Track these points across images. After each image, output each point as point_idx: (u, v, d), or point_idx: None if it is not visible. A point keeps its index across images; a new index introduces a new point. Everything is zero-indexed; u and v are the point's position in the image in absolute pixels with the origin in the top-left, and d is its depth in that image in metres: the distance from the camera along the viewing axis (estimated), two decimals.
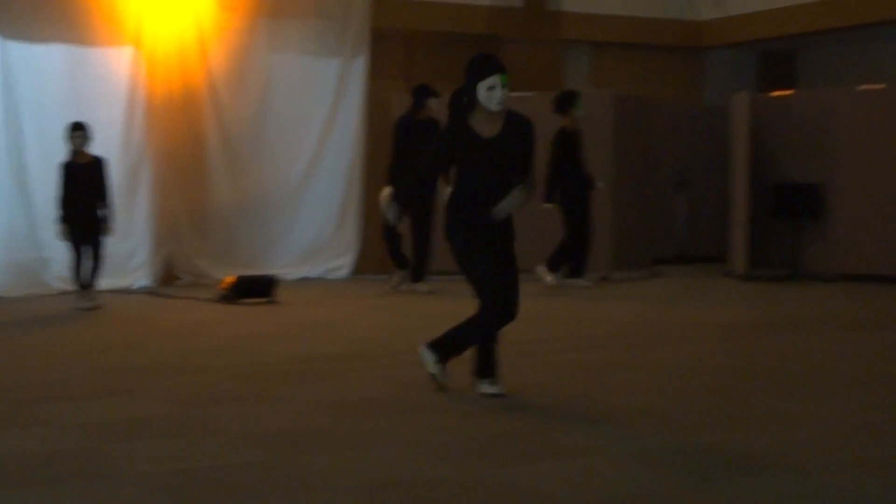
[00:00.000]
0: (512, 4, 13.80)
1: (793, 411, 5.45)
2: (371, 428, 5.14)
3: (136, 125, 11.62)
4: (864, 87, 12.13)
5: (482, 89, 5.76)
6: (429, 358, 5.96)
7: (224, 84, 12.13)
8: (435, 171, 5.99)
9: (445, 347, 5.96)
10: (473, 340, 5.90)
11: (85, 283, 9.78)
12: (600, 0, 14.37)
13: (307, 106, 12.55)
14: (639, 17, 14.57)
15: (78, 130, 9.78)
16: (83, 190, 9.77)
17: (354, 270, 12.65)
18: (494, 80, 5.74)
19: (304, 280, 12.30)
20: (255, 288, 10.31)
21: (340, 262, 12.69)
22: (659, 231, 13.84)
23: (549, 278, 11.22)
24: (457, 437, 4.96)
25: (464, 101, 5.83)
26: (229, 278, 10.41)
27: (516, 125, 5.87)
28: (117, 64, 11.56)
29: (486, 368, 5.92)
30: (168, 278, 11.88)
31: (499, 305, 5.73)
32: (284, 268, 12.12)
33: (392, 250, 11.10)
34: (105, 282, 10.35)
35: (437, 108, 11.00)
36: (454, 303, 10.24)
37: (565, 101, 11.13)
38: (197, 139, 12.08)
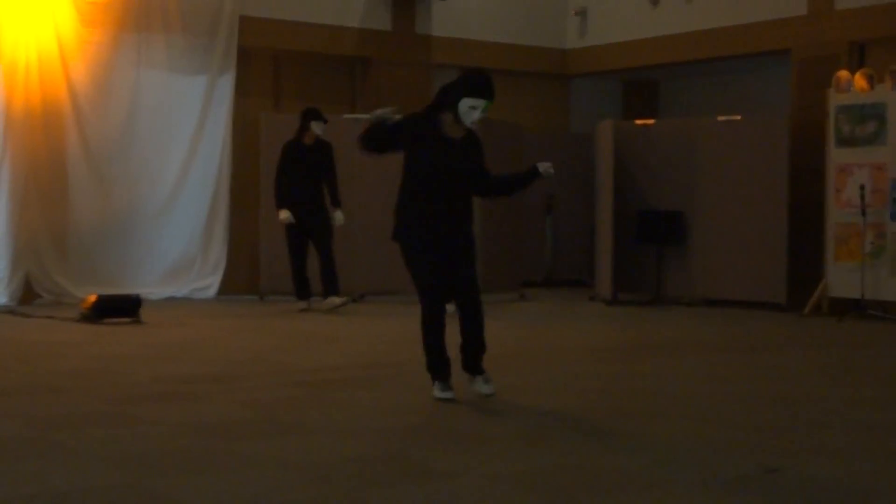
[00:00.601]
0: (381, 27, 13.86)
1: (655, 432, 5.57)
2: (235, 450, 5.08)
3: None
4: (722, 117, 12.51)
5: (465, 104, 6.03)
6: (443, 394, 6.25)
7: (87, 99, 11.90)
8: (383, 135, 6.21)
9: (428, 366, 6.28)
10: (427, 342, 6.21)
11: None
12: (470, 25, 14.53)
13: (173, 123, 12.39)
14: (508, 43, 14.77)
15: None
16: None
17: (221, 290, 12.50)
18: (480, 102, 6.02)
19: (170, 300, 12.11)
20: (119, 307, 10.11)
21: (207, 282, 12.53)
22: (527, 255, 14.01)
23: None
24: (324, 459, 4.94)
25: (443, 102, 6.09)
26: (91, 297, 10.18)
27: (474, 139, 6.23)
28: None
29: (470, 366, 6.29)
30: (27, 297, 11.56)
31: (427, 301, 6.09)
32: (149, 287, 11.91)
33: (334, 275, 11.08)
34: None
35: (323, 132, 11.07)
36: (321, 323, 10.25)
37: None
38: (58, 154, 11.81)
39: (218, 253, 12.56)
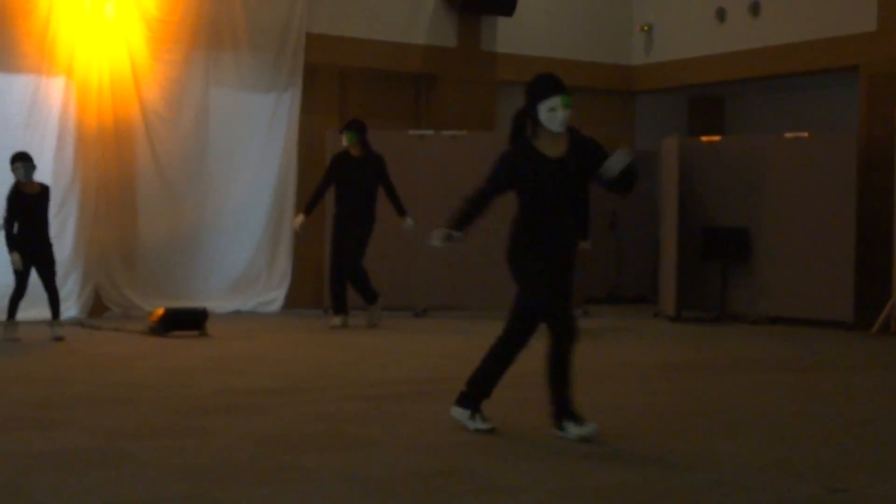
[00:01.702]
0: (447, 44, 13.92)
1: (722, 450, 5.53)
2: (301, 462, 5.12)
3: (66, 155, 11.51)
4: (789, 134, 12.39)
5: (543, 110, 5.73)
6: (460, 415, 5.88)
7: (157, 116, 12.07)
8: (490, 194, 5.92)
9: (472, 392, 5.93)
10: (501, 364, 5.92)
11: (12, 313, 9.67)
12: (535, 42, 14.54)
13: (240, 139, 12.53)
14: (572, 59, 14.75)
15: (23, 161, 9.67)
16: (33, 220, 9.68)
17: (286, 304, 12.60)
18: (556, 100, 5.71)
19: (236, 313, 12.22)
20: (186, 320, 10.23)
21: (272, 296, 12.63)
22: (590, 271, 13.96)
23: None
24: (388, 472, 4.96)
25: (525, 123, 5.81)
26: (159, 310, 10.32)
27: (582, 143, 5.85)
28: (48, 93, 11.47)
29: (564, 409, 5.82)
30: (97, 309, 11.74)
31: (552, 317, 5.82)
32: (216, 301, 12.02)
33: (362, 286, 11.08)
34: (33, 312, 10.20)
35: (348, 142, 11.01)
36: (384, 337, 10.29)
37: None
38: (128, 170, 11.99)
39: (283, 267, 12.66)
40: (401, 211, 11.10)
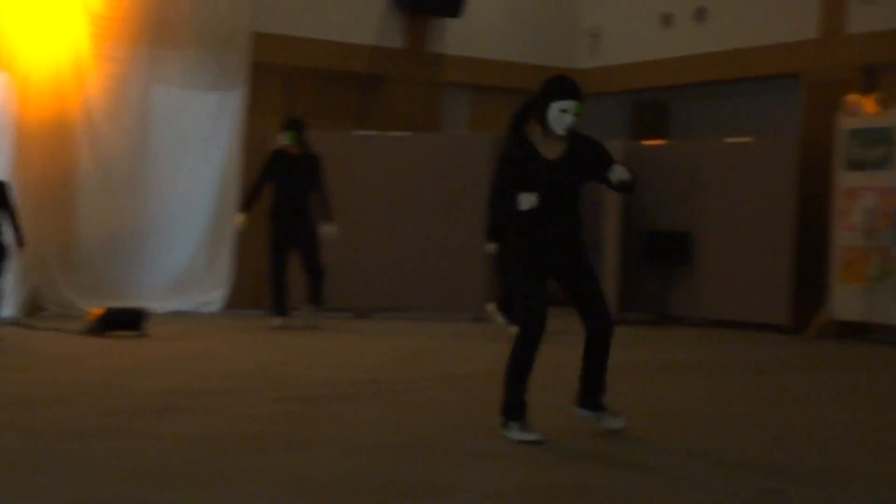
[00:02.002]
0: (394, 45, 13.92)
1: (656, 452, 5.58)
2: (240, 464, 5.10)
3: (4, 151, 11.38)
4: (731, 139, 12.54)
5: (555, 109, 5.71)
6: (506, 430, 5.76)
7: (100, 113, 11.95)
8: (506, 193, 5.69)
9: (507, 404, 5.80)
10: (522, 369, 5.77)
11: None
12: (482, 44, 14.59)
13: (184, 138, 12.44)
14: (519, 62, 14.81)
15: None
16: None
17: (227, 304, 12.54)
18: (570, 104, 5.70)
19: (176, 313, 12.13)
20: (124, 320, 10.14)
21: (213, 296, 12.56)
22: None
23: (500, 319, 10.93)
24: (326, 474, 4.96)
25: (528, 118, 5.78)
26: (97, 310, 10.22)
27: (582, 145, 5.83)
28: None
29: (594, 396, 5.88)
30: (34, 309, 11.60)
31: (535, 322, 5.69)
32: (155, 300, 11.93)
33: (321, 285, 11.12)
34: None
35: (289, 141, 10.96)
36: (326, 339, 10.28)
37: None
38: (69, 168, 11.86)
39: (224, 267, 12.60)
40: (327, 215, 11.01)
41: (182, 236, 12.46)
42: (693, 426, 6.40)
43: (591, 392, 6.01)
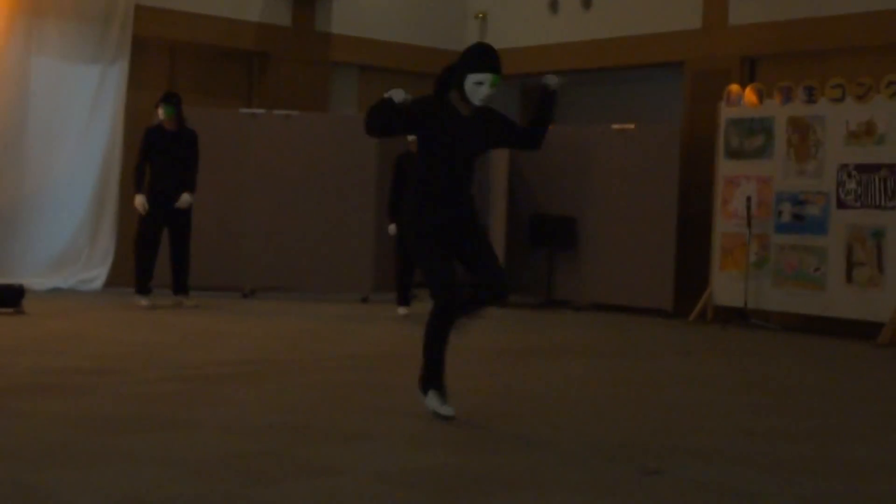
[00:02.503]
0: (281, 23, 13.77)
1: (538, 433, 5.62)
2: (117, 445, 5.00)
3: None
4: (616, 125, 12.69)
5: (470, 81, 5.71)
6: (439, 407, 5.76)
7: None
8: (390, 114, 5.64)
9: (423, 374, 5.81)
10: (437, 341, 5.75)
11: None
12: (370, 24, 14.51)
13: (63, 112, 12.14)
14: (407, 43, 14.79)
15: None
16: None
17: (108, 282, 12.28)
18: (486, 76, 5.70)
19: (55, 291, 11.85)
20: (0, 297, 9.86)
21: (94, 274, 12.30)
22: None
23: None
24: (203, 455, 4.88)
25: (449, 82, 5.76)
26: None
27: (485, 111, 5.89)
28: None
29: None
30: None
31: (446, 294, 5.64)
32: (34, 277, 11.63)
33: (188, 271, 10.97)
34: None
35: (165, 116, 10.73)
36: (209, 318, 10.13)
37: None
38: None
39: (106, 245, 12.34)
40: (190, 187, 10.76)
41: (62, 212, 12.16)
42: (576, 409, 6.46)
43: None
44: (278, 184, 12.51)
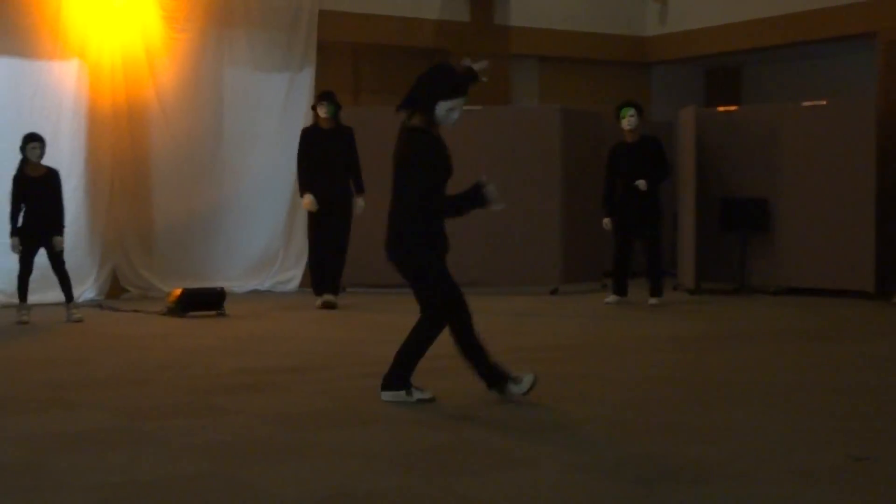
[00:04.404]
0: (459, 18, 13.85)
1: (739, 421, 5.50)
2: (318, 440, 5.12)
3: (79, 138, 11.51)
4: (807, 102, 12.30)
5: (443, 108, 5.70)
6: (393, 397, 5.91)
7: (172, 96, 12.05)
8: (440, 188, 5.85)
9: (398, 372, 5.96)
10: (424, 347, 5.95)
11: (23, 294, 9.67)
12: (547, 15, 14.46)
13: (256, 119, 12.51)
14: (585, 31, 14.68)
15: (34, 142, 9.66)
16: (38, 202, 9.66)
17: (303, 283, 12.59)
18: (458, 102, 5.71)
19: (254, 293, 12.23)
20: (203, 301, 10.24)
21: (289, 275, 12.65)
22: (606, 245, 13.90)
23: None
24: (404, 448, 4.95)
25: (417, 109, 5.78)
26: (176, 291, 10.33)
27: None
28: (62, 76, 11.45)
29: (495, 375, 5.95)
30: (114, 291, 11.76)
31: (458, 301, 5.86)
32: (233, 281, 12.04)
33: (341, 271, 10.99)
34: (50, 295, 10.21)
35: (327, 114, 10.73)
36: (400, 314, 10.24)
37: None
38: (143, 151, 11.98)
39: (300, 246, 12.65)
40: (360, 189, 10.78)
41: (258, 216, 12.54)
42: (777, 395, 6.28)
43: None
44: (463, 179, 12.56)
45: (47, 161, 9.85)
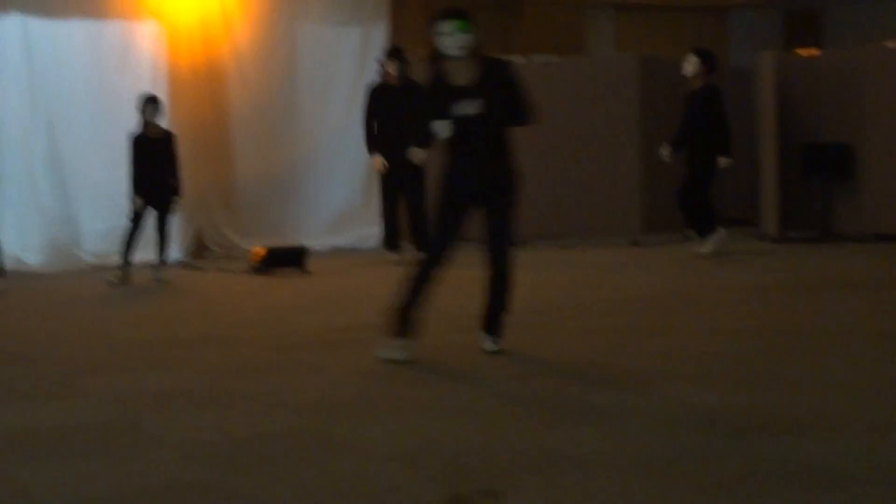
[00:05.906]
0: None
1: (829, 371, 5.44)
2: (405, 395, 5.16)
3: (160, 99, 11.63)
4: (890, 42, 12.00)
5: (436, 35, 5.85)
6: (389, 352, 5.93)
7: (249, 55, 12.13)
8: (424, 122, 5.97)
9: (397, 322, 5.98)
10: (415, 293, 5.97)
11: (129, 259, 9.80)
12: None
13: (331, 75, 12.55)
14: None
15: (152, 103, 9.83)
16: (154, 163, 9.81)
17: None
18: (444, 26, 5.79)
19: (336, 250, 12.32)
20: (287, 258, 10.35)
21: (370, 232, 12.70)
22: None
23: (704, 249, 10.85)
24: (492, 402, 4.98)
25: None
26: (260, 249, 10.45)
27: (494, 70, 5.93)
28: (139, 38, 11.58)
29: (489, 324, 6.05)
30: (199, 250, 11.92)
31: (437, 258, 6.02)
32: (315, 238, 12.13)
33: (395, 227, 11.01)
34: (137, 255, 10.37)
35: (395, 71, 10.72)
36: (469, 269, 10.25)
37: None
38: (222, 112, 12.09)
39: (379, 202, 12.67)
40: (424, 143, 10.67)
41: (336, 173, 12.60)
42: (863, 345, 6.20)
43: (487, 319, 6.10)
44: (542, 131, 12.49)
45: (127, 124, 9.98)
